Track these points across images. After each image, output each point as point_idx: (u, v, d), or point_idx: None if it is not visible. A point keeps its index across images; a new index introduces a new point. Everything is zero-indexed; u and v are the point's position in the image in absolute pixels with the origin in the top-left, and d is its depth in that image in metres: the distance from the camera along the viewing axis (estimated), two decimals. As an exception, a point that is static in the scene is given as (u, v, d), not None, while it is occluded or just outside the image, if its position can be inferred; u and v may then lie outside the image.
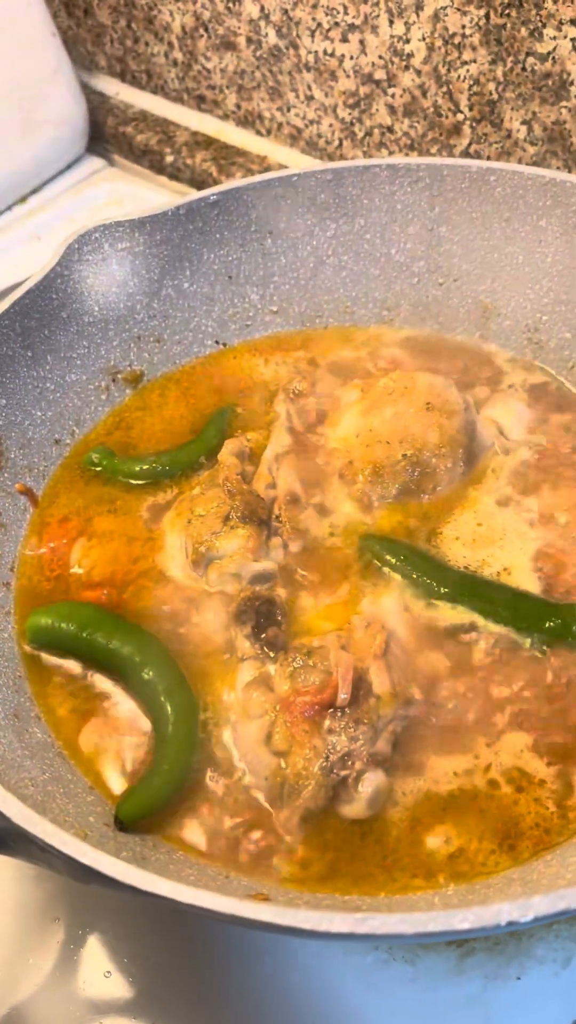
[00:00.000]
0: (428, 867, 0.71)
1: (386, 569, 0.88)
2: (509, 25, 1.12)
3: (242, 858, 0.72)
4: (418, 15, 1.18)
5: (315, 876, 0.71)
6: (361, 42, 1.27)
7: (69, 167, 1.59)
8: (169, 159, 1.55)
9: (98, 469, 0.99)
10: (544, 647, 0.82)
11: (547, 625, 0.84)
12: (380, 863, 0.71)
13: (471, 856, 0.71)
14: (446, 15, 1.16)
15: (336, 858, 0.72)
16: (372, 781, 0.74)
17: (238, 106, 1.51)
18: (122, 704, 0.82)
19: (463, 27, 1.16)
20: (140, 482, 0.99)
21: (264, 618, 0.84)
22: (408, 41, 1.22)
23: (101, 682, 0.84)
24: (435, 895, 0.69)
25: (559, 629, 0.83)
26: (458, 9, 1.14)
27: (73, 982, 0.76)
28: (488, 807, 0.74)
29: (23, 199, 1.53)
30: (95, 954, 0.78)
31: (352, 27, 1.26)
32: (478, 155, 1.26)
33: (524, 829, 0.72)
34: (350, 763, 0.74)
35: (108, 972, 0.77)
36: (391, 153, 1.36)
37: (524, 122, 1.19)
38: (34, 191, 1.54)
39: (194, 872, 0.69)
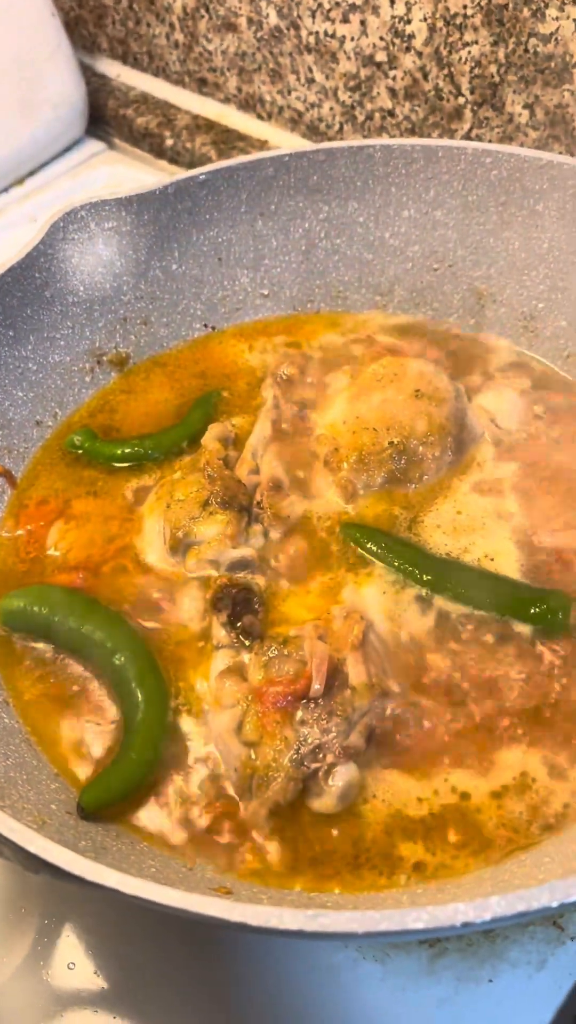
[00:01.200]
0: (397, 866, 0.69)
1: (368, 557, 0.86)
2: (511, 5, 1.09)
3: (207, 850, 0.70)
4: (420, -5, 1.16)
5: (281, 871, 0.69)
6: (362, 23, 1.24)
7: (68, 149, 1.57)
8: (169, 142, 1.53)
9: (80, 452, 0.98)
10: (535, 640, 0.80)
11: (531, 611, 0.81)
12: (348, 860, 0.69)
13: (442, 856, 0.69)
14: (448, -5, 1.13)
15: (303, 853, 0.70)
16: (343, 775, 0.72)
17: (239, 89, 1.49)
18: (92, 690, 0.81)
19: (465, 7, 1.13)
20: (122, 465, 0.97)
21: (241, 606, 0.82)
22: (409, 22, 1.20)
23: (72, 667, 0.82)
24: (403, 894, 0.67)
25: (543, 615, 0.81)
26: (460, -11, 1.12)
27: (39, 974, 0.75)
28: (464, 806, 0.71)
29: (20, 181, 1.51)
30: (63, 946, 0.76)
31: (353, 7, 1.24)
32: (479, 139, 1.23)
33: (498, 828, 0.70)
34: (321, 756, 0.72)
35: (72, 964, 0.75)
36: (392, 137, 1.33)
37: (526, 106, 1.16)
38: (31, 173, 1.52)
39: (156, 864, 0.67)
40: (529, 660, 0.79)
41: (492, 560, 0.85)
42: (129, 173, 1.53)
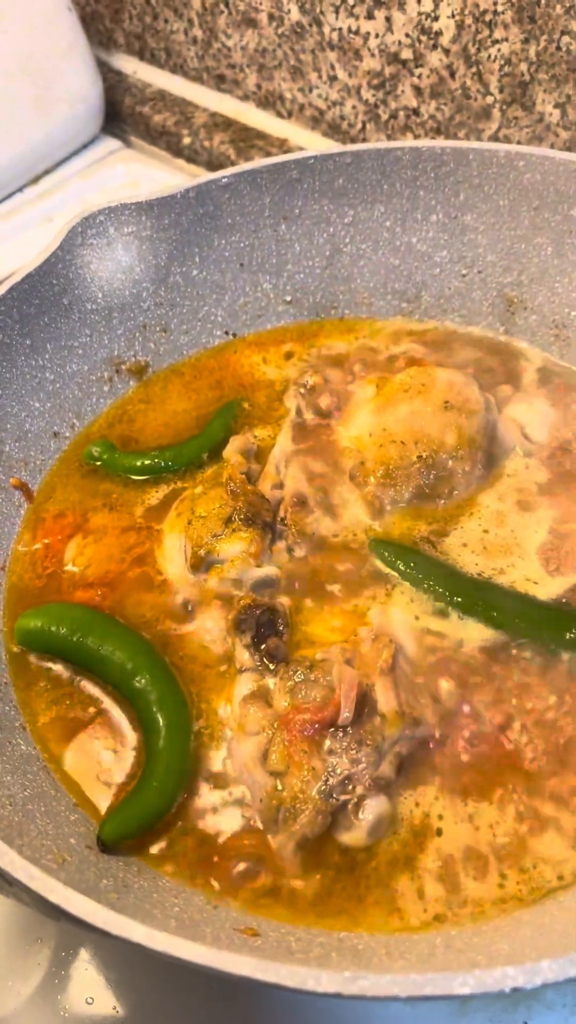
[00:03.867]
0: (431, 904, 0.66)
1: (396, 577, 0.83)
2: (544, 2, 1.06)
3: (232, 886, 0.68)
4: (448, -10, 1.12)
5: (310, 909, 0.66)
6: (387, 19, 1.21)
7: (84, 147, 1.54)
8: (187, 141, 1.50)
9: (98, 463, 0.95)
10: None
11: (568, 636, 0.78)
12: (379, 898, 0.66)
13: (478, 895, 0.66)
14: (477, -10, 1.10)
15: (333, 890, 0.67)
16: (374, 807, 0.69)
17: (258, 86, 1.45)
18: (112, 713, 0.78)
19: (495, 3, 1.10)
20: (141, 478, 0.94)
21: (265, 627, 0.79)
22: (436, 18, 1.16)
23: (91, 689, 0.79)
24: (438, 936, 0.64)
25: None
26: (490, -16, 1.08)
27: (54, 1007, 0.72)
28: (503, 840, 0.68)
29: (35, 179, 1.48)
30: (79, 978, 0.74)
31: (378, 3, 1.20)
32: (508, 140, 1.19)
33: (536, 865, 0.67)
34: (351, 787, 0.69)
35: (91, 999, 0.73)
36: (416, 137, 1.30)
37: (557, 105, 1.12)
38: (47, 171, 1.50)
39: (179, 902, 0.65)
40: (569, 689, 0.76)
41: (526, 580, 0.82)
42: (146, 172, 1.50)
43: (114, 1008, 0.72)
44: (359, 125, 1.35)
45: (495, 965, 0.46)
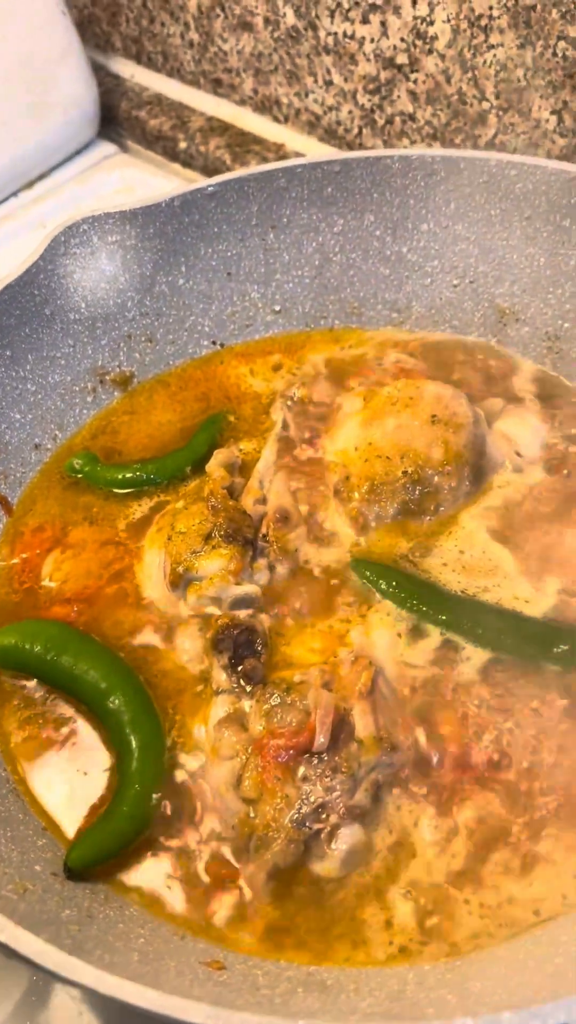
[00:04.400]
0: (404, 939, 0.64)
1: (379, 596, 0.81)
2: (539, 7, 1.04)
3: (201, 916, 0.66)
4: (443, -5, 1.10)
5: (279, 941, 0.65)
6: (382, 23, 1.19)
7: (79, 152, 1.52)
8: (183, 145, 1.48)
9: (79, 476, 0.93)
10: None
11: (555, 650, 0.77)
12: (352, 931, 0.65)
13: (453, 929, 0.64)
14: (473, -5, 1.08)
15: (303, 922, 0.65)
16: (348, 837, 0.67)
17: (255, 91, 1.43)
18: (84, 734, 0.76)
19: (490, 8, 1.08)
20: (123, 491, 0.93)
21: (243, 648, 0.77)
22: (432, 23, 1.14)
23: (63, 708, 0.78)
24: (410, 971, 0.62)
25: (567, 654, 0.76)
26: (485, -12, 1.06)
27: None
28: (480, 874, 0.66)
29: (30, 184, 1.47)
30: (61, 1003, 0.72)
31: (373, 7, 1.18)
32: (504, 146, 1.17)
33: (513, 901, 0.65)
34: (324, 816, 0.67)
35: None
36: (412, 143, 1.28)
37: (554, 111, 1.10)
38: (41, 176, 1.48)
39: (146, 932, 0.63)
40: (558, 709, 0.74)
41: (513, 599, 0.80)
42: (141, 177, 1.48)
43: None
44: (355, 130, 1.33)
45: (454, 1015, 0.44)
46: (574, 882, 0.65)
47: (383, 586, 0.82)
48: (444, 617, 0.80)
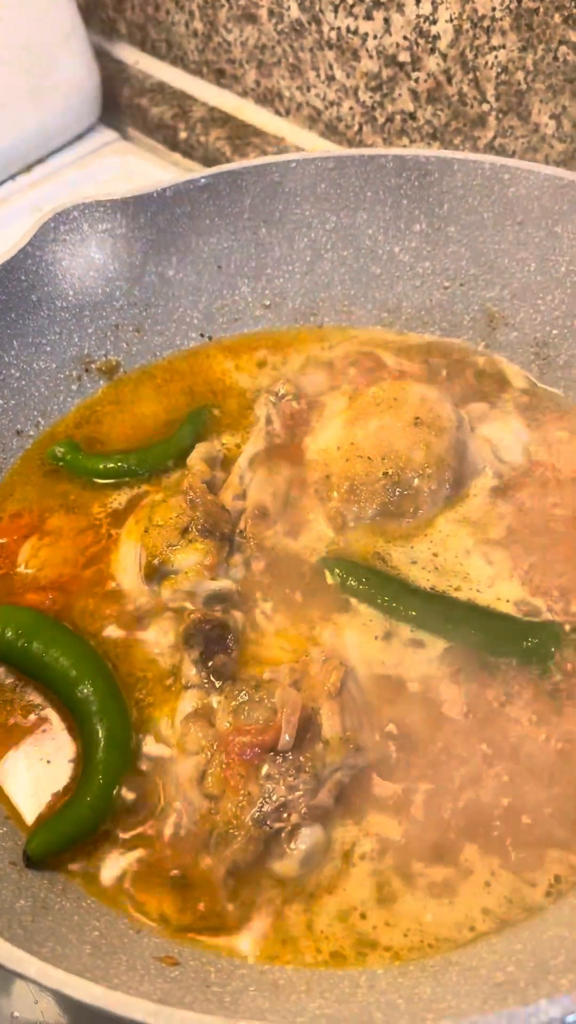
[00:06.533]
0: (358, 941, 0.64)
1: (348, 594, 0.81)
2: (542, 10, 1.03)
3: (157, 911, 0.66)
4: (447, -6, 1.09)
5: (234, 939, 0.65)
6: (386, 20, 1.18)
7: (79, 138, 1.51)
8: (183, 135, 1.47)
9: (61, 464, 0.93)
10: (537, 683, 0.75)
11: (524, 645, 0.77)
12: (307, 931, 0.65)
13: (406, 932, 0.64)
14: (476, -5, 1.07)
15: (260, 920, 0.65)
16: (308, 837, 0.67)
17: (257, 83, 1.43)
18: (53, 723, 0.76)
19: (493, 9, 1.07)
20: (104, 481, 0.92)
21: (214, 643, 0.77)
22: (435, 22, 1.14)
23: (31, 695, 0.78)
24: (362, 974, 0.62)
25: (536, 648, 0.77)
26: (489, -11, 1.06)
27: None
28: (436, 877, 0.66)
29: (28, 168, 1.46)
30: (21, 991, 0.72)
31: (377, 3, 1.18)
32: (503, 149, 1.17)
33: (472, 909, 0.65)
34: (286, 815, 0.67)
35: (15, 1014, 0.71)
36: (412, 142, 1.27)
37: (553, 116, 1.09)
38: (39, 161, 1.47)
39: (101, 925, 0.63)
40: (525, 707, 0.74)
41: (483, 598, 0.80)
42: (140, 165, 1.47)
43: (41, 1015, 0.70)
44: (356, 127, 1.33)
45: (400, 1021, 0.44)
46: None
47: (352, 583, 0.82)
48: (414, 613, 0.80)
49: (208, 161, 1.45)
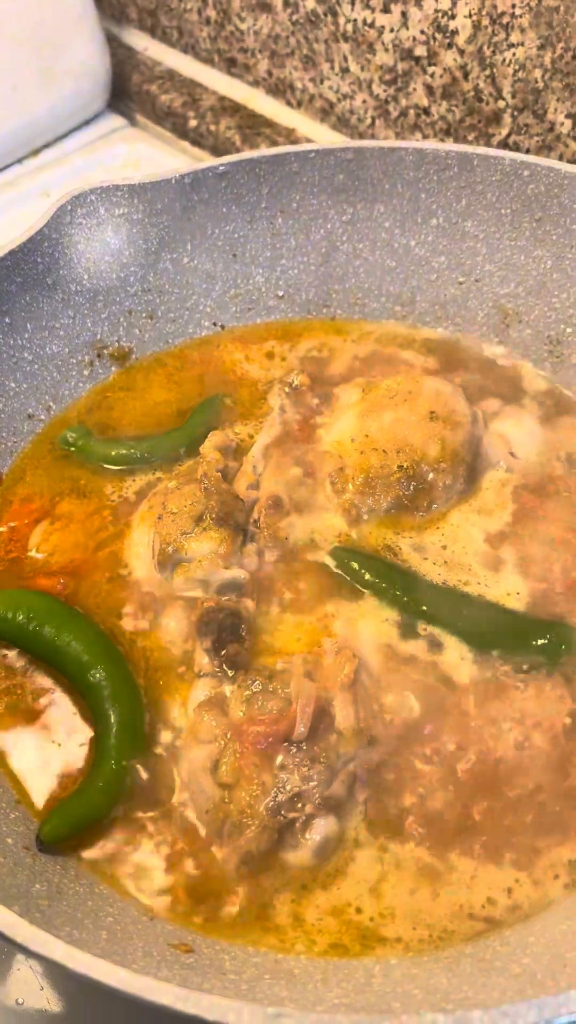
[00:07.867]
0: (371, 931, 0.64)
1: (359, 586, 0.81)
2: (562, 8, 1.03)
3: (171, 898, 0.66)
4: (466, -11, 1.09)
5: (248, 927, 0.64)
6: (403, 14, 1.18)
7: (88, 123, 1.51)
8: (193, 123, 1.46)
9: (72, 449, 0.92)
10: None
11: (536, 643, 0.77)
12: (321, 921, 0.65)
13: (421, 925, 0.64)
14: (496, -9, 1.07)
15: (274, 909, 0.65)
16: (321, 828, 0.67)
17: (269, 73, 1.42)
18: (63, 707, 0.76)
19: (513, 6, 1.07)
20: (115, 467, 0.92)
21: (227, 632, 0.77)
22: (453, 17, 1.13)
23: (44, 680, 0.77)
24: (376, 964, 0.62)
25: (548, 647, 0.77)
26: (510, -14, 1.06)
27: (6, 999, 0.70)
28: (451, 875, 0.67)
29: (36, 152, 1.45)
30: (22, 976, 0.71)
31: (395, -3, 1.17)
32: (517, 147, 1.17)
33: (483, 902, 0.65)
34: (300, 805, 0.67)
35: (20, 1000, 0.71)
36: (425, 137, 1.27)
37: (569, 115, 1.10)
38: (48, 145, 1.46)
39: (115, 911, 0.63)
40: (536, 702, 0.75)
41: (494, 594, 0.80)
42: (148, 152, 1.47)
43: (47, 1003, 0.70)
44: (368, 120, 1.32)
45: (420, 1009, 0.44)
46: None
47: (364, 576, 0.81)
48: (425, 608, 0.80)
49: (217, 150, 1.44)
